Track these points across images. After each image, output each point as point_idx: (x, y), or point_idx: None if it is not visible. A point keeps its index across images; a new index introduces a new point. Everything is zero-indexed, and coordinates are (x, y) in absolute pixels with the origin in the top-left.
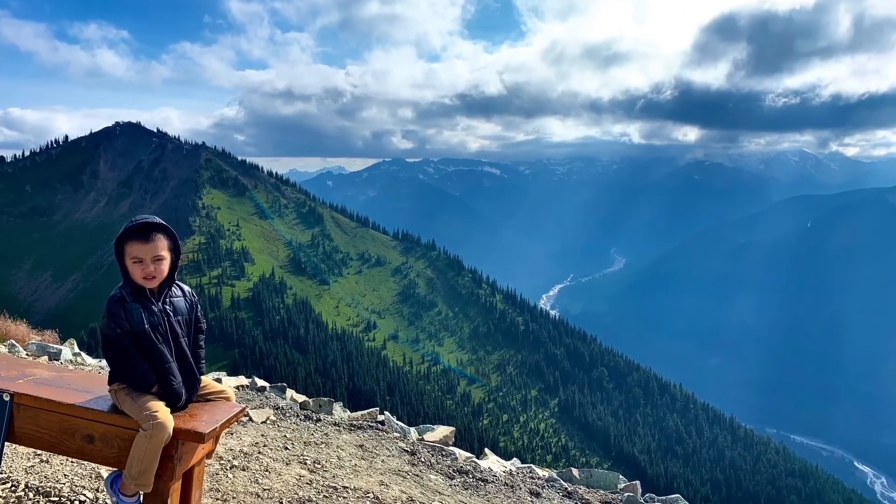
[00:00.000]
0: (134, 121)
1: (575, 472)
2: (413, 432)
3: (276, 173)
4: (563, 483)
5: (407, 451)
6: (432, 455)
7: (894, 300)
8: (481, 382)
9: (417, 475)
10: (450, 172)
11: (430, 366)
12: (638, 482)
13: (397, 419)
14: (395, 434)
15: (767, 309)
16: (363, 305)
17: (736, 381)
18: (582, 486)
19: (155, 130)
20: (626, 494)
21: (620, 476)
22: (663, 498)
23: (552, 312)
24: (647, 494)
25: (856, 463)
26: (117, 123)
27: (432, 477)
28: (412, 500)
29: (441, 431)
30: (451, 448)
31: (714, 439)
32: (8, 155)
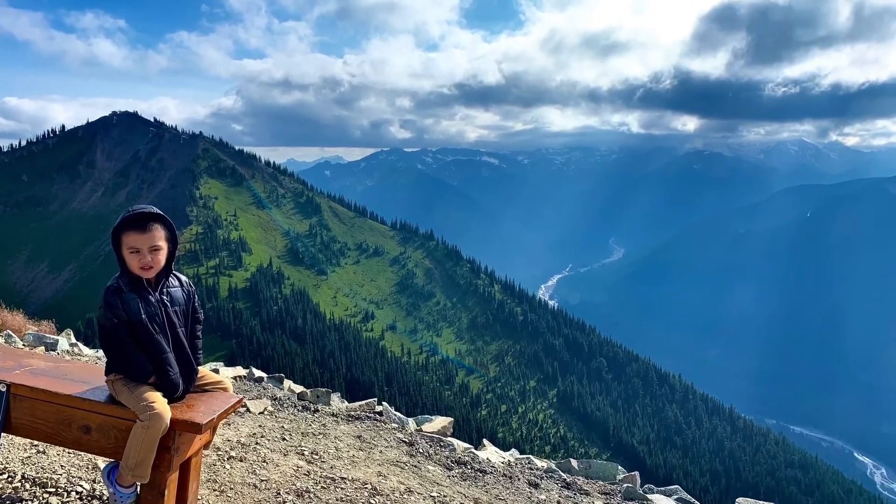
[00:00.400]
0: (131, 110)
1: (574, 462)
2: (411, 423)
3: (274, 163)
4: (562, 474)
5: (405, 441)
6: (430, 446)
7: (894, 290)
8: (479, 373)
9: (416, 466)
10: (448, 162)
11: (428, 356)
12: (637, 473)
13: (395, 410)
14: (393, 425)
15: (767, 299)
16: (361, 296)
17: (735, 372)
18: (581, 477)
19: (152, 120)
20: (624, 485)
21: (619, 467)
22: (662, 489)
23: (551, 303)
24: (646, 485)
25: (855, 454)
26: (114, 113)
27: (430, 468)
28: (410, 491)
29: (439, 422)
30: (450, 439)
31: (713, 430)
32: (4, 145)
